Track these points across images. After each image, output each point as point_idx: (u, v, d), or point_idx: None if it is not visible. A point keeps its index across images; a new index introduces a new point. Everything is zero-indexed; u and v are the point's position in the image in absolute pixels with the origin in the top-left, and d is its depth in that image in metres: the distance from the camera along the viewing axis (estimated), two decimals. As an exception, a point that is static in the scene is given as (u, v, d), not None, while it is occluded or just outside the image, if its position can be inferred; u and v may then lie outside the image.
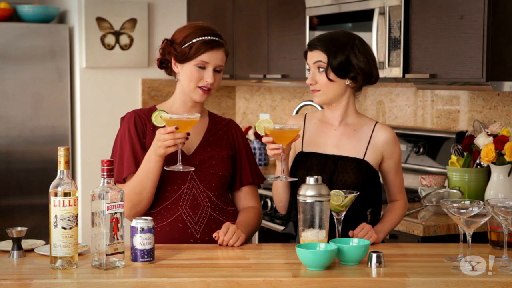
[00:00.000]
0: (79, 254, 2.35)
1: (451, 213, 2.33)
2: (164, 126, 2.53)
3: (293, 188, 2.68)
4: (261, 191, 4.12)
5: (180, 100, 2.76)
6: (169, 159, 2.62)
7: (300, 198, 2.38)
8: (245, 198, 2.83)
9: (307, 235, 2.38)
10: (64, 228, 2.23)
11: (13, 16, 5.17)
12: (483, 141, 3.33)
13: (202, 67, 2.68)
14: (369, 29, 3.73)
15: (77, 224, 2.25)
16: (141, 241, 2.29)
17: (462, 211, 2.31)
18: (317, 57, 2.64)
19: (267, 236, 4.26)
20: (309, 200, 2.36)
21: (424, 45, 3.54)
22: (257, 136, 5.22)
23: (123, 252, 2.27)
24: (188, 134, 2.54)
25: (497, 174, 3.32)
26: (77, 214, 2.25)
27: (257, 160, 5.09)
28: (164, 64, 2.78)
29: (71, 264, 2.25)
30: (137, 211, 2.65)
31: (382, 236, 2.65)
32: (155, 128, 2.64)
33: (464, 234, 2.35)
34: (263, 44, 4.73)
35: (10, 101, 5.07)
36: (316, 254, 2.23)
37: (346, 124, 2.72)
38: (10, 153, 5.08)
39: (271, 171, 4.87)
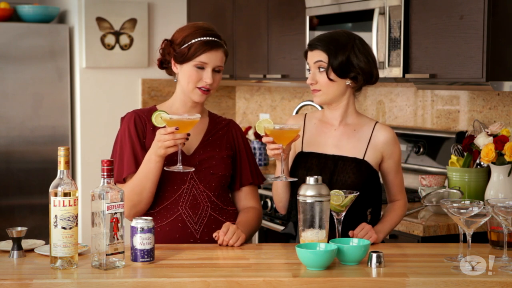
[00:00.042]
0: (79, 254, 2.35)
1: (451, 213, 2.33)
2: (164, 127, 2.53)
3: (293, 188, 2.68)
4: (261, 191, 4.12)
5: (180, 100, 2.76)
6: (169, 159, 2.62)
7: (300, 198, 2.38)
8: (245, 198, 2.83)
9: (307, 235, 2.38)
10: (64, 228, 2.23)
11: (13, 16, 5.18)
12: (483, 141, 3.33)
13: (201, 68, 2.68)
14: (369, 29, 3.73)
15: (77, 224, 2.25)
16: (141, 241, 2.29)
17: (462, 211, 2.31)
18: (317, 56, 2.64)
19: (267, 236, 4.26)
20: (309, 200, 2.36)
21: (424, 45, 3.54)
22: (257, 136, 5.23)
23: (123, 252, 2.27)
24: (188, 134, 2.54)
25: (497, 174, 3.32)
26: (77, 214, 2.25)
27: (257, 160, 5.09)
28: (164, 64, 2.78)
29: (71, 264, 2.25)
30: (137, 211, 2.65)
31: (382, 236, 2.65)
32: (155, 128, 2.64)
33: (464, 234, 2.35)
34: (263, 44, 4.73)
35: (10, 101, 5.07)
36: (316, 254, 2.23)
37: (346, 124, 2.72)
38: (10, 153, 5.08)
39: (271, 171, 4.87)
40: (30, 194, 5.13)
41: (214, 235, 2.60)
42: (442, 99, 4.03)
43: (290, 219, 2.73)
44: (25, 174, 5.12)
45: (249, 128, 5.41)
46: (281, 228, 3.94)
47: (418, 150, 4.00)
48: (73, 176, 5.06)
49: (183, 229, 2.67)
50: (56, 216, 2.22)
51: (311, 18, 4.17)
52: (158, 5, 5.47)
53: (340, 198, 2.45)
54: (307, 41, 4.09)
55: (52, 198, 2.23)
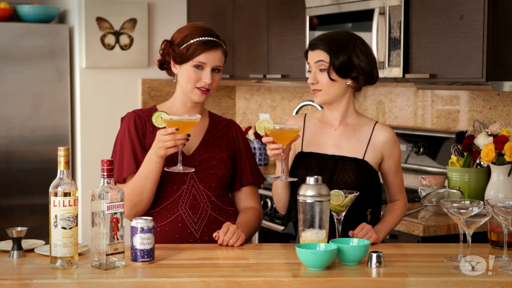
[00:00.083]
0: (79, 254, 2.35)
1: (451, 213, 2.33)
2: (164, 127, 2.53)
3: (293, 188, 2.68)
4: (261, 191, 4.12)
5: (180, 101, 2.76)
6: (169, 159, 2.62)
7: (300, 198, 2.38)
8: (245, 198, 2.83)
9: (307, 235, 2.38)
10: (64, 228, 2.23)
11: (13, 16, 5.18)
12: (483, 141, 3.33)
13: (200, 68, 2.68)
14: (369, 29, 3.73)
15: (77, 224, 2.25)
16: (141, 241, 2.29)
17: (462, 211, 2.31)
18: (318, 56, 2.64)
19: (267, 236, 4.26)
20: (309, 200, 2.36)
21: (424, 45, 3.54)
22: (257, 136, 5.22)
23: (123, 252, 2.27)
24: (189, 135, 2.54)
25: (497, 174, 3.32)
26: (77, 214, 2.25)
27: (257, 160, 5.09)
28: (164, 65, 2.79)
29: (71, 264, 2.25)
30: (137, 211, 2.65)
31: (382, 236, 2.65)
32: (155, 128, 2.64)
33: (464, 234, 2.35)
34: (263, 44, 4.73)
35: (10, 101, 5.07)
36: (316, 254, 2.23)
37: (346, 124, 2.72)
38: (10, 153, 5.08)
39: (271, 171, 4.87)
40: (30, 194, 5.13)
41: (214, 235, 2.60)
42: (442, 99, 4.03)
43: (290, 219, 2.73)
44: (25, 174, 5.12)
45: (249, 128, 5.41)
46: (281, 228, 3.94)
47: (418, 150, 4.00)
48: (73, 176, 5.06)
49: (183, 229, 2.67)
50: (56, 216, 2.22)
51: (311, 18, 4.17)
52: (158, 5, 5.47)
53: (340, 198, 2.45)
54: (307, 41, 4.09)
55: (52, 198, 2.23)
